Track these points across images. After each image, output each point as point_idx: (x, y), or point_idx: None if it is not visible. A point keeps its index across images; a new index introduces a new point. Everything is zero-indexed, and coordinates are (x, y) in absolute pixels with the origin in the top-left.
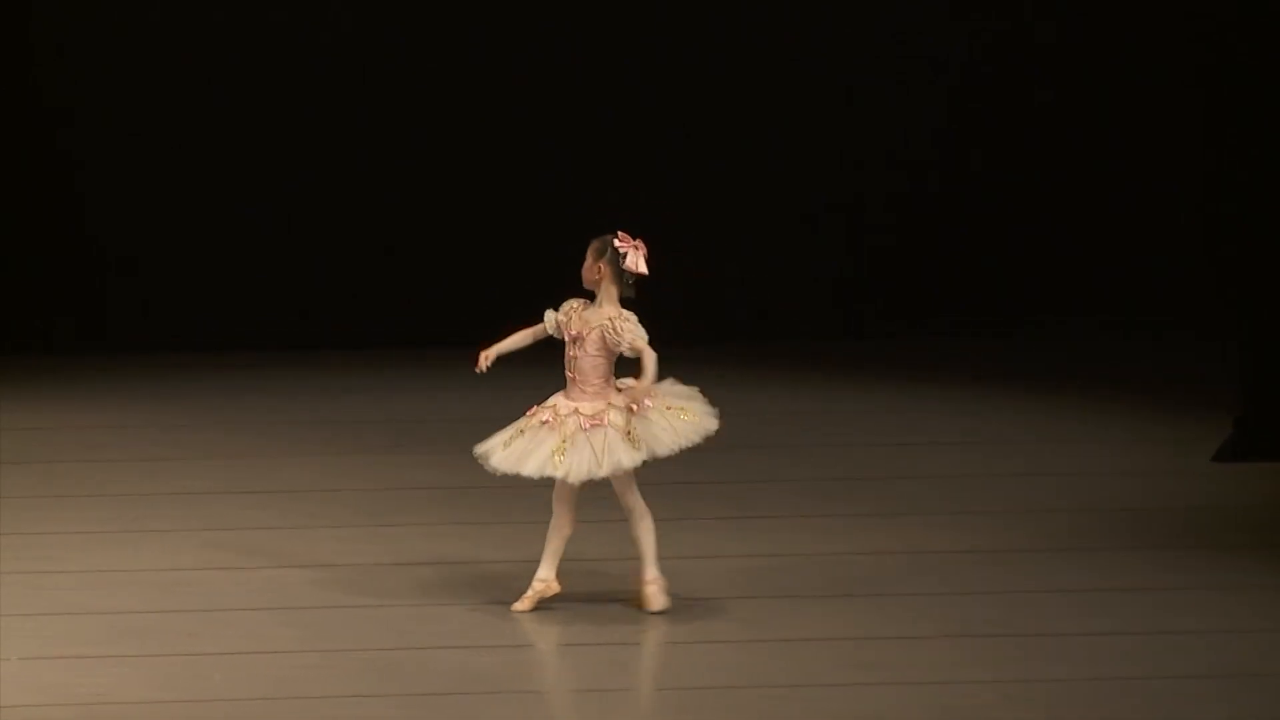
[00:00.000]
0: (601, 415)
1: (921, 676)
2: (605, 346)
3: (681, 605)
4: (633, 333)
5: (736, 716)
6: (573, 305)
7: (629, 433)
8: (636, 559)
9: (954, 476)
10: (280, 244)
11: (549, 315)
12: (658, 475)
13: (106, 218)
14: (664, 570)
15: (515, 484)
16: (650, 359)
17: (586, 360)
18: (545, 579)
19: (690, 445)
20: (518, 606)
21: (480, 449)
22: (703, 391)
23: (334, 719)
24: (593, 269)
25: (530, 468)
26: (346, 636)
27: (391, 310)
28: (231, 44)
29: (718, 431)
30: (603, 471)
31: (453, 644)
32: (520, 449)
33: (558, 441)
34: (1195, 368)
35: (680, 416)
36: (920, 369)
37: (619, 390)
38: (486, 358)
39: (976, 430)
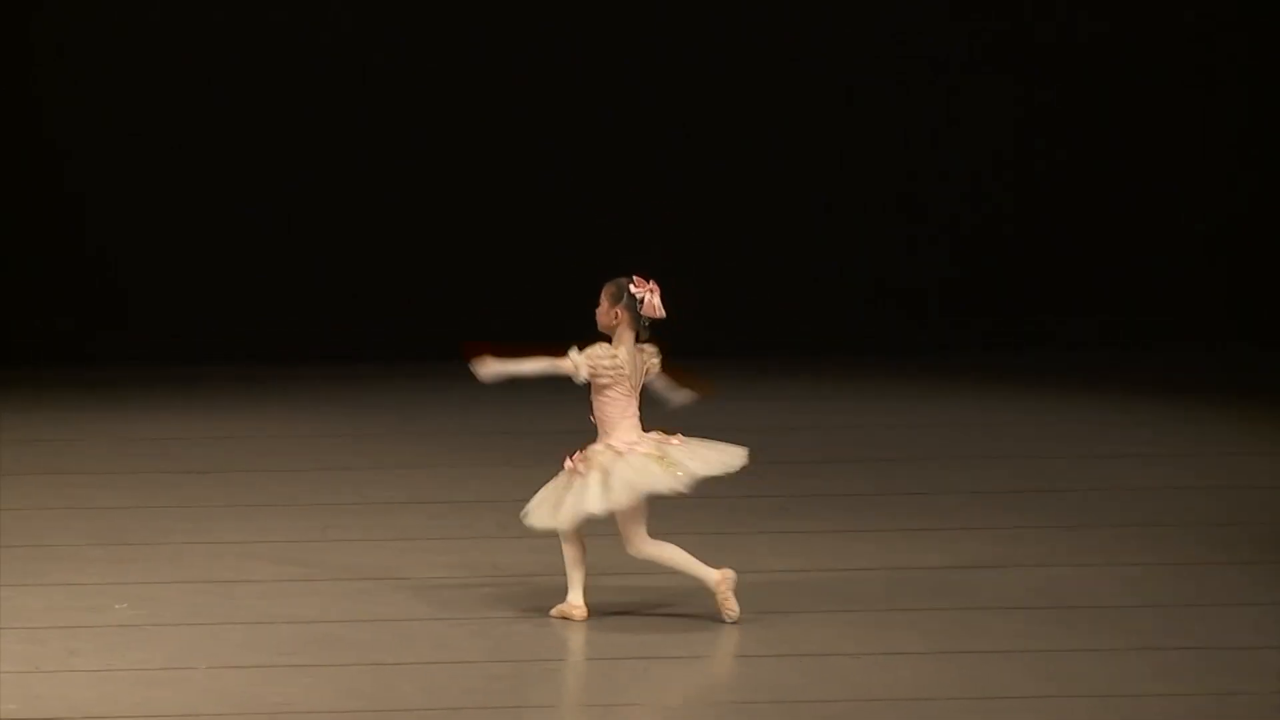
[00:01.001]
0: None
1: (1109, 689)
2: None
3: (859, 617)
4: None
5: None
6: (614, 351)
7: (662, 458)
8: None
9: (1141, 489)
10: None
11: (580, 362)
12: (844, 487)
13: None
14: (841, 580)
15: (707, 497)
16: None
17: (601, 403)
18: (576, 604)
19: (718, 473)
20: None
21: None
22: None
23: None
24: (609, 313)
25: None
26: (537, 648)
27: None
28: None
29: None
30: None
31: (644, 655)
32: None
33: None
34: None
35: (704, 453)
36: (1093, 380)
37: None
38: (487, 368)
39: (1162, 442)
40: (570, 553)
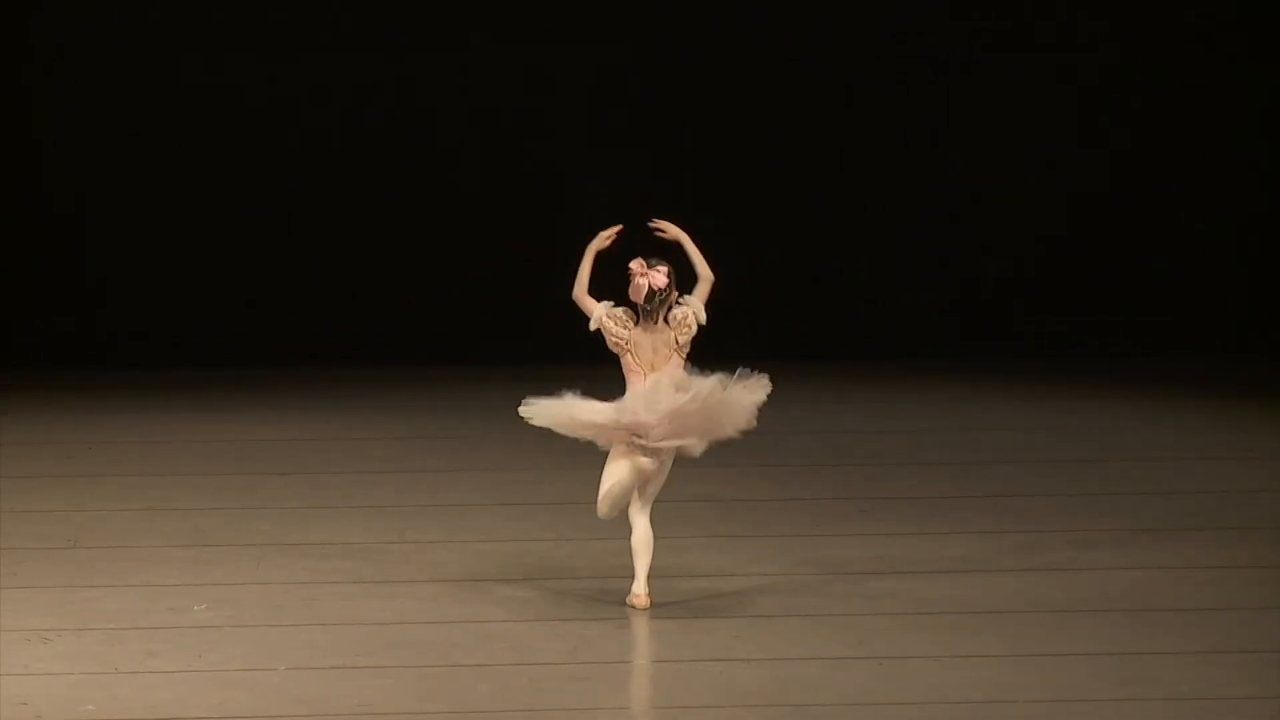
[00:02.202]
0: None
1: (1191, 692)
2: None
3: (932, 622)
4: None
5: None
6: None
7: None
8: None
9: (1224, 492)
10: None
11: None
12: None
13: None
14: (919, 583)
15: (776, 496)
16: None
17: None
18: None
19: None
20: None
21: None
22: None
23: None
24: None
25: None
26: (613, 649)
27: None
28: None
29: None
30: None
31: (719, 657)
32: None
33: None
34: None
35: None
36: (1172, 383)
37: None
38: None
39: (1246, 444)
40: (633, 539)
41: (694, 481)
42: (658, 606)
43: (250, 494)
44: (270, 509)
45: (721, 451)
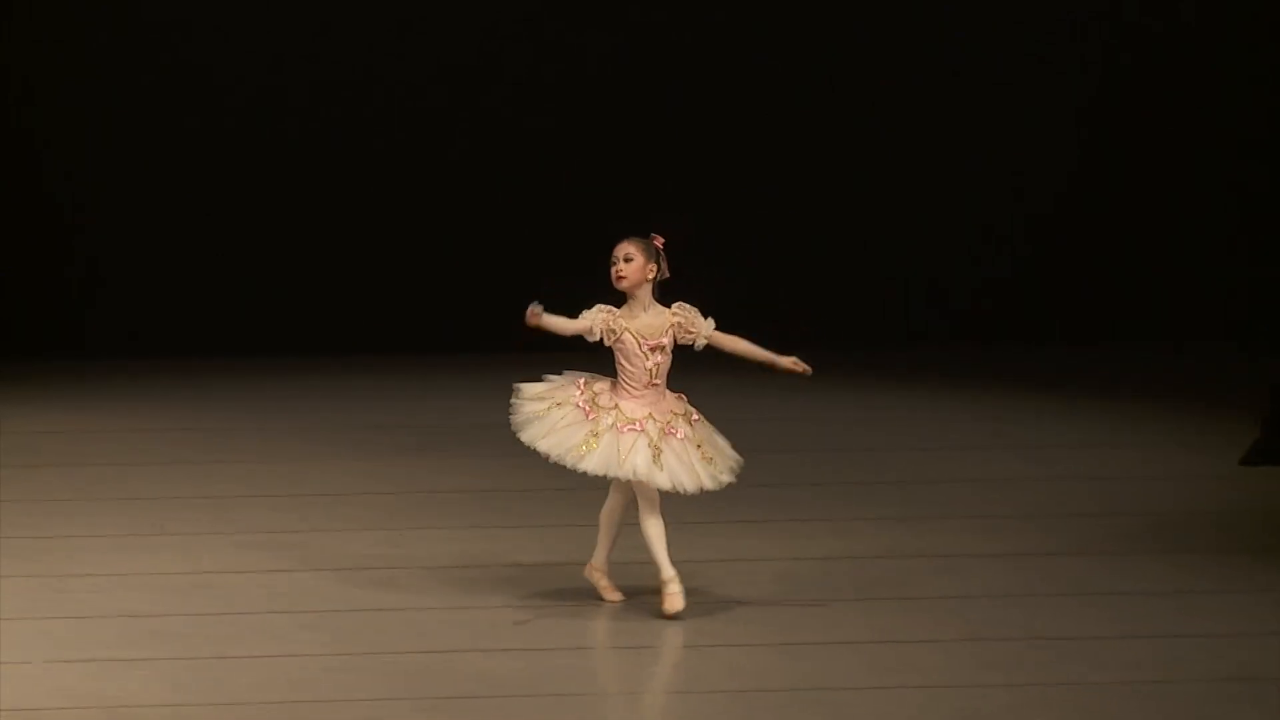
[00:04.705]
0: (674, 426)
1: (944, 680)
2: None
3: (703, 609)
4: (702, 322)
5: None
6: (625, 312)
7: (699, 446)
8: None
9: (980, 480)
10: (285, 244)
11: (598, 318)
12: None
13: (97, 216)
14: (685, 573)
15: (542, 487)
16: (743, 341)
17: (667, 363)
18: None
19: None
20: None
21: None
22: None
23: None
24: (646, 269)
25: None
26: (370, 640)
27: (420, 315)
28: (230, 41)
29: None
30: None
31: (477, 647)
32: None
33: (647, 447)
34: (1222, 372)
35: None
36: (944, 373)
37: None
38: (536, 315)
39: (1003, 434)
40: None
41: (453, 475)
42: (415, 598)
43: (7, 487)
44: (24, 501)
45: (478, 438)
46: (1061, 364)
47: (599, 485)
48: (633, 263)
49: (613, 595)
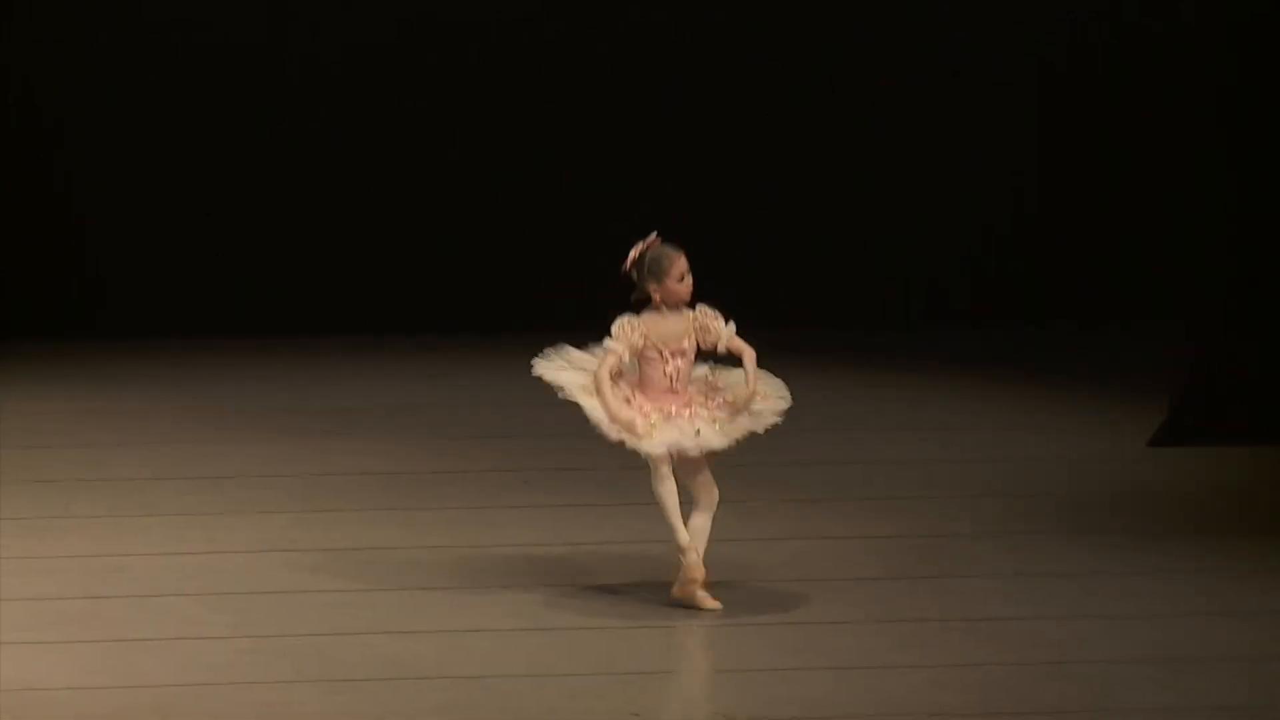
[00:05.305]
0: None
1: (853, 661)
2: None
3: (624, 590)
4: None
5: (668, 701)
6: (650, 319)
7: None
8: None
9: (890, 462)
10: (224, 227)
11: (625, 351)
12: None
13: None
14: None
15: (451, 469)
16: (750, 355)
17: (687, 367)
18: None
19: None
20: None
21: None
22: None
23: (264, 705)
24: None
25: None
26: (280, 622)
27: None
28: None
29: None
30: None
31: (384, 629)
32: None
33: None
34: (1132, 352)
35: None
36: (863, 356)
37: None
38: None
39: (914, 416)
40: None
41: (358, 455)
42: (324, 580)
43: None
44: None
45: (390, 421)
46: (998, 345)
47: (511, 468)
48: (685, 279)
49: (710, 603)
